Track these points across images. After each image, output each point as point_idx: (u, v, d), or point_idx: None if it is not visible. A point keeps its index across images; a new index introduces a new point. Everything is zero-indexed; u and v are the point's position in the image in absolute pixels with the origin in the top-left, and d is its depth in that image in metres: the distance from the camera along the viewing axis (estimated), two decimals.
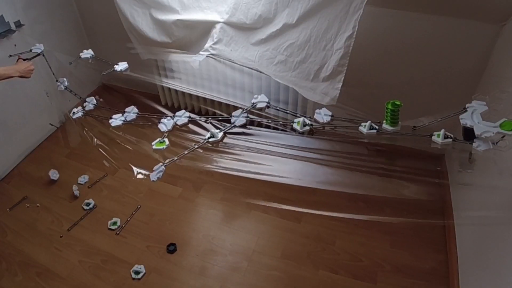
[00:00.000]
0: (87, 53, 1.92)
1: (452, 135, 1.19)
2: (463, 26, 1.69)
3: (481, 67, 1.78)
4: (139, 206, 2.11)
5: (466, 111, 1.15)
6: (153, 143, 1.62)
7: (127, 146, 1.91)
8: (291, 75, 1.82)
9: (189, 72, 2.33)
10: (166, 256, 1.86)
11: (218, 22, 1.90)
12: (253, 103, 1.58)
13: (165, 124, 1.65)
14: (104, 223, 2.01)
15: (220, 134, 1.56)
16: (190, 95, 2.49)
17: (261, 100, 1.58)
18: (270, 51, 1.81)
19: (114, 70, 1.86)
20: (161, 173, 1.58)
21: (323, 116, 1.45)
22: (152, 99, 2.69)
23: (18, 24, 2.19)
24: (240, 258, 1.84)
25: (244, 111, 1.58)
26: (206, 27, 1.96)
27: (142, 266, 1.80)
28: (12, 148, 2.40)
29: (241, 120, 1.55)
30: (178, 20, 1.94)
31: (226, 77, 2.20)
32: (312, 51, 1.70)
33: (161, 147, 1.60)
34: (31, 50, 1.85)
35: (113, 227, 2.00)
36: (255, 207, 2.07)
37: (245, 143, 1.72)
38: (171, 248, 1.88)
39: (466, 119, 1.12)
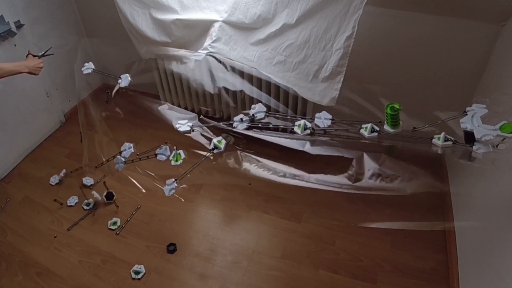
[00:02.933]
0: (88, 67, 1.90)
1: (452, 138, 1.19)
2: (463, 26, 1.69)
3: (481, 67, 1.78)
4: (139, 206, 2.11)
5: (467, 114, 1.15)
6: (170, 157, 1.67)
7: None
8: (290, 75, 1.82)
9: (189, 73, 2.33)
10: (166, 256, 1.87)
11: (217, 21, 1.91)
12: (252, 115, 1.53)
13: (163, 154, 1.69)
14: (104, 223, 2.01)
15: (223, 145, 1.56)
16: (190, 95, 2.49)
17: (259, 110, 1.54)
18: (269, 51, 1.81)
19: (118, 84, 1.84)
20: (174, 190, 1.64)
21: (323, 120, 1.42)
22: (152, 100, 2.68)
23: (18, 24, 2.19)
24: (240, 258, 1.84)
25: (243, 120, 1.55)
26: (205, 27, 1.96)
27: (142, 266, 1.80)
28: (12, 148, 2.40)
29: (243, 126, 1.53)
30: (177, 19, 1.94)
31: (226, 77, 2.19)
32: (311, 51, 1.70)
33: (179, 161, 1.65)
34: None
35: (113, 227, 2.00)
36: (255, 207, 2.07)
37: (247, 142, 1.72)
38: (171, 248, 1.88)
39: (466, 123, 1.13)
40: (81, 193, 2.17)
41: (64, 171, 2.31)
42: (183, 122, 1.63)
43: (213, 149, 1.58)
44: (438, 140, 1.20)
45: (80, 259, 1.86)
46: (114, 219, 2.03)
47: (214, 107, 2.48)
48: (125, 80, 1.81)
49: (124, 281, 1.76)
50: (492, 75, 1.72)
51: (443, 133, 1.20)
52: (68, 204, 2.13)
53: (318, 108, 1.86)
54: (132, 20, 2.08)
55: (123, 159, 1.77)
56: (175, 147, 1.69)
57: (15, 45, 2.20)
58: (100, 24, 2.67)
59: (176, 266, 1.82)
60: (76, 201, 2.15)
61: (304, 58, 1.74)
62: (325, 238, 1.90)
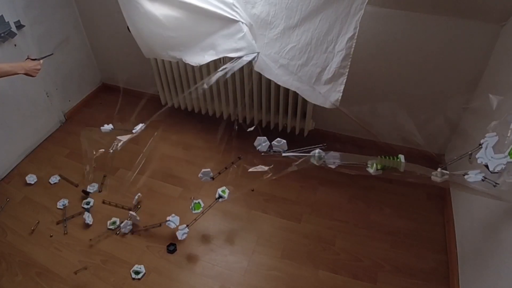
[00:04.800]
0: (106, 128, 1.90)
1: (448, 172, 1.27)
2: (463, 26, 1.70)
3: (481, 67, 1.78)
4: (139, 206, 2.11)
5: (481, 147, 1.17)
6: (191, 207, 1.80)
7: None
8: (293, 78, 1.81)
9: (190, 72, 2.33)
10: (166, 256, 1.87)
11: (222, 16, 1.90)
12: (269, 149, 1.54)
13: (173, 222, 1.84)
14: (104, 223, 2.01)
15: (227, 194, 1.71)
16: (190, 95, 2.49)
17: (279, 147, 1.52)
18: (272, 55, 1.81)
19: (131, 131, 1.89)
20: (185, 235, 1.78)
21: (332, 160, 1.41)
22: (152, 99, 2.69)
23: (18, 24, 2.19)
24: (240, 258, 1.84)
25: (264, 141, 1.53)
26: (208, 24, 1.95)
27: (142, 266, 1.80)
28: (12, 148, 2.39)
29: (264, 147, 1.52)
30: (177, 17, 1.93)
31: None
32: (313, 53, 1.70)
33: (199, 209, 1.82)
34: None
35: (112, 227, 2.00)
36: (255, 207, 2.07)
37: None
38: (171, 248, 1.88)
39: (482, 158, 1.15)
40: (79, 195, 2.18)
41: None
42: (206, 172, 1.74)
43: (218, 198, 1.67)
44: (436, 177, 1.27)
45: (80, 259, 1.86)
46: (114, 219, 2.02)
47: (214, 107, 2.48)
48: (137, 127, 1.88)
49: (124, 281, 1.76)
50: (492, 75, 1.72)
51: (439, 169, 1.26)
52: (57, 206, 2.12)
53: (318, 106, 1.86)
54: (135, 18, 2.07)
55: (130, 225, 1.95)
56: (192, 198, 1.85)
57: (15, 45, 2.19)
58: (101, 24, 2.66)
59: (176, 266, 1.82)
60: (66, 204, 2.12)
61: (306, 61, 1.73)
62: (325, 238, 1.90)
